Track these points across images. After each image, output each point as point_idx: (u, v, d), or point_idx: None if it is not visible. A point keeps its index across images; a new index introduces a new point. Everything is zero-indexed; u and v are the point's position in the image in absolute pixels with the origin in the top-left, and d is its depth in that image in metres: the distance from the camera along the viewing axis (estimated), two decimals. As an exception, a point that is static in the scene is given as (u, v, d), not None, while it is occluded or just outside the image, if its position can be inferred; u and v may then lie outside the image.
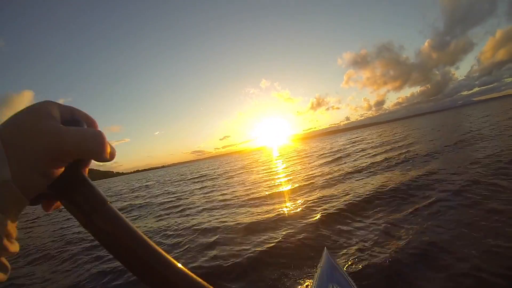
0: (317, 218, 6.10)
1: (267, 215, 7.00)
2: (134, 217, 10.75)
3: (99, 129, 0.40)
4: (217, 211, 8.87)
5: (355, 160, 15.40)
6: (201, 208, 9.89)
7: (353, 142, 32.84)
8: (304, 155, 27.88)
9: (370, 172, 10.78)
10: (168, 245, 6.21)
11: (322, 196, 7.98)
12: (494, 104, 77.46)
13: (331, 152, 24.93)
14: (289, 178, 13.65)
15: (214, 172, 29.60)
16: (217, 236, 6.08)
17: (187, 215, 9.31)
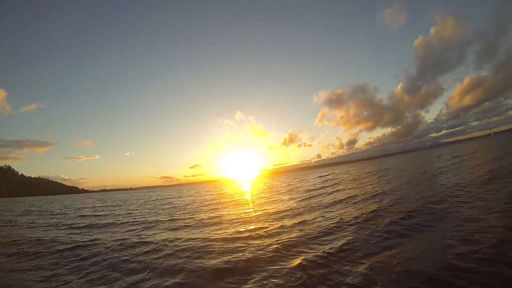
0: (291, 261, 5.84)
1: (237, 256, 6.58)
2: (91, 240, 9.56)
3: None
4: (182, 244, 8.29)
5: (328, 197, 15.35)
6: (166, 241, 9.14)
7: (325, 180, 32.99)
8: (276, 191, 27.26)
9: (344, 210, 10.65)
10: (128, 284, 5.66)
11: (296, 236, 7.72)
12: (461, 146, 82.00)
13: (302, 188, 24.79)
14: (260, 213, 13.04)
15: (183, 200, 28.60)
16: (181, 277, 5.63)
17: (149, 243, 8.59)
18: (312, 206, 12.84)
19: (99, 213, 20.51)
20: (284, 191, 24.82)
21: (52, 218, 18.94)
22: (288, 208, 13.19)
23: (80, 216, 19.53)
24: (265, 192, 27.44)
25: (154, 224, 12.80)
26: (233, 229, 9.86)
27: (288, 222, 9.88)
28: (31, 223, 16.31)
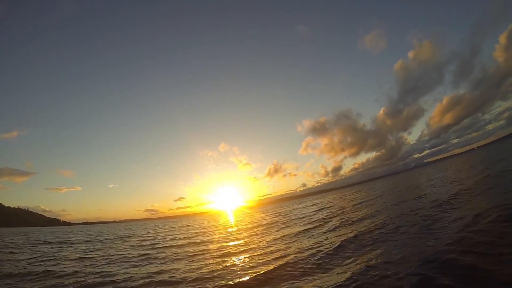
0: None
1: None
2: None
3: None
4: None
5: (324, 230, 14.04)
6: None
7: (317, 209, 31.87)
8: (264, 223, 25.70)
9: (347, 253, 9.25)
10: None
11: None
12: (445, 164, 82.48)
13: (289, 220, 23.57)
14: (252, 252, 11.66)
15: (170, 235, 26.81)
16: None
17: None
18: (303, 244, 11.59)
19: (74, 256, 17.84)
20: (272, 223, 23.49)
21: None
22: (282, 245, 11.86)
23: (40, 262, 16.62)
24: (254, 225, 25.70)
25: (130, 269, 10.97)
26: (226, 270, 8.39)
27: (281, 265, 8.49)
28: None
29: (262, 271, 8.02)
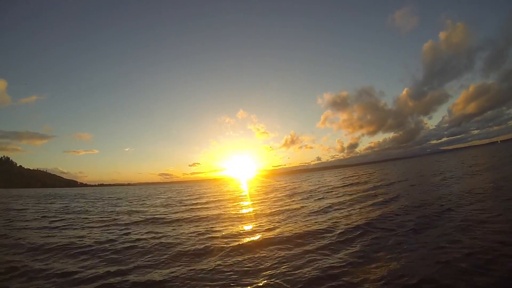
0: None
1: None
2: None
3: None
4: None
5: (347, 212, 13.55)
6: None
7: (331, 186, 31.24)
8: (285, 193, 25.56)
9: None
10: None
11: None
12: (463, 153, 79.91)
13: (311, 194, 23.08)
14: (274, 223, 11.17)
15: (188, 199, 26.86)
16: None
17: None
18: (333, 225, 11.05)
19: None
20: (291, 195, 22.88)
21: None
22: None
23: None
24: (269, 196, 25.41)
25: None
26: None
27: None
28: None
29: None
